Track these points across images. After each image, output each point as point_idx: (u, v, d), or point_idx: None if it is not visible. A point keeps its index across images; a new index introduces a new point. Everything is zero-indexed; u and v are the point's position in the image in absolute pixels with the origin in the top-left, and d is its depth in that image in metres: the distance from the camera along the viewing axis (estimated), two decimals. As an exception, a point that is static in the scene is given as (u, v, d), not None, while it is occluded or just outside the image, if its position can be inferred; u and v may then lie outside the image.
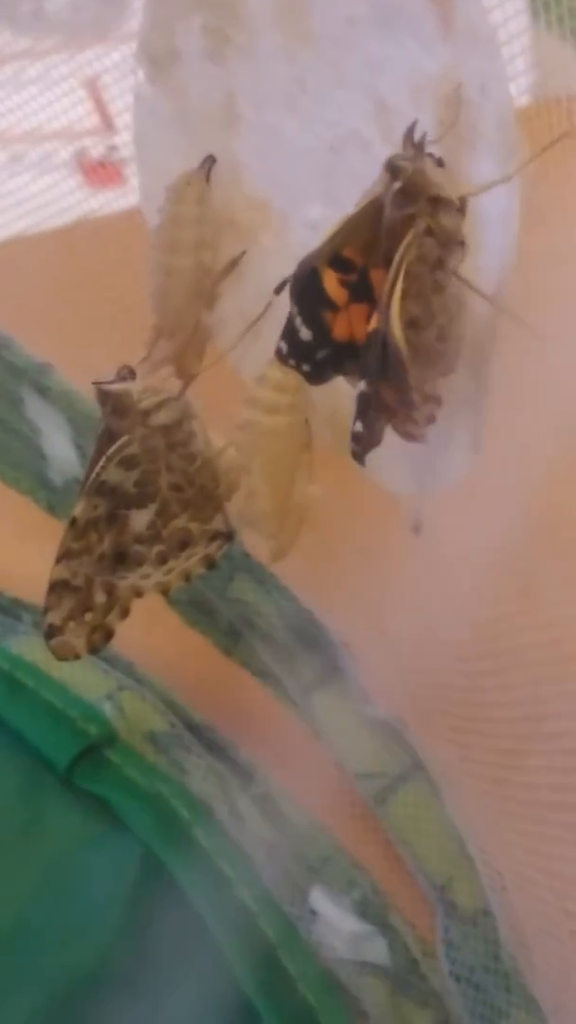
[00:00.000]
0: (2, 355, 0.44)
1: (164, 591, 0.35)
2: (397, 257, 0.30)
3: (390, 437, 0.32)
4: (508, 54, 0.32)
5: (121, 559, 0.34)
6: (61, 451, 0.43)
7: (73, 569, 0.34)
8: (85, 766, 0.42)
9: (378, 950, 0.39)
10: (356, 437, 0.31)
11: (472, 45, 0.31)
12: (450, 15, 0.31)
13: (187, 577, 0.35)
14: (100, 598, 0.34)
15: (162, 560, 0.34)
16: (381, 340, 0.31)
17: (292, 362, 0.32)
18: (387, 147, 0.33)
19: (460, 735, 0.39)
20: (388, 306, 0.30)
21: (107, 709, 0.43)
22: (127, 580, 0.34)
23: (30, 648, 0.43)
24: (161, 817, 0.41)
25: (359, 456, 0.32)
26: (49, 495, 0.45)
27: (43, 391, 0.43)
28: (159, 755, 0.43)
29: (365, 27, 0.32)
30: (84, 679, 0.43)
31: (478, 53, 0.31)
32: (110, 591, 0.34)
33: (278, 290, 0.32)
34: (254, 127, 0.34)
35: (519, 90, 0.33)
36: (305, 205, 0.34)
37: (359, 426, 0.31)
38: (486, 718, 0.39)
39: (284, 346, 0.32)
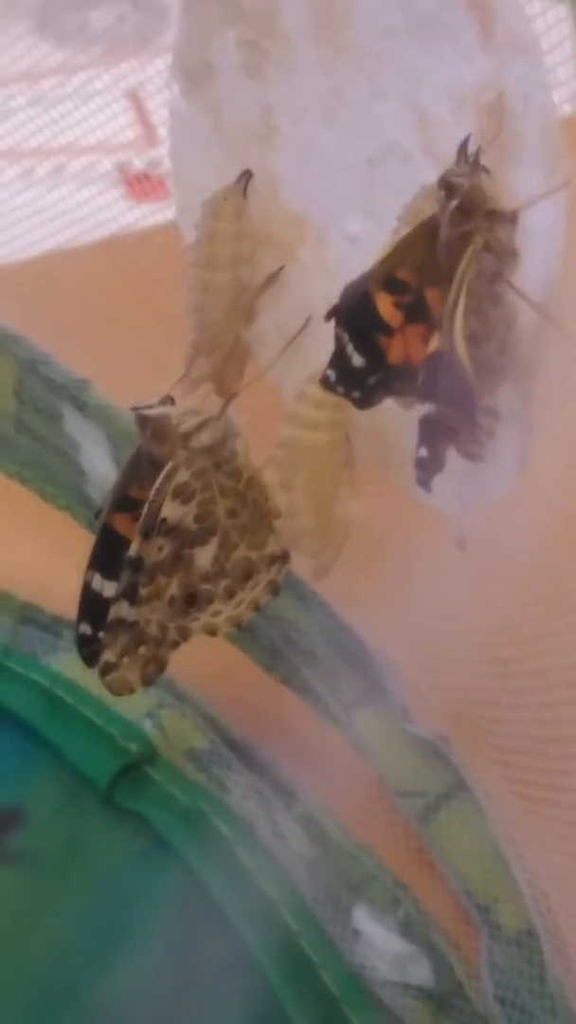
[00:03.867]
0: (40, 371, 0.44)
1: (238, 625, 0.34)
2: (458, 275, 0.30)
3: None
4: (551, 63, 0.32)
5: (191, 600, 0.34)
6: (100, 467, 0.42)
7: (144, 616, 0.34)
8: (126, 784, 0.42)
9: (422, 971, 0.39)
10: (421, 463, 0.30)
11: (513, 54, 0.31)
12: (490, 24, 0.31)
13: (256, 607, 0.34)
14: (159, 633, 0.34)
15: (231, 594, 0.34)
16: (445, 360, 0.30)
17: (341, 390, 0.31)
18: (427, 159, 0.32)
19: (504, 754, 0.39)
20: (451, 325, 0.30)
21: (147, 726, 0.43)
22: (200, 621, 0.34)
23: (70, 665, 0.43)
24: (202, 835, 0.41)
25: (425, 482, 0.30)
26: (88, 511, 0.45)
27: (82, 407, 0.43)
28: (200, 773, 0.42)
29: (403, 38, 0.32)
30: (124, 697, 0.43)
31: (520, 61, 0.31)
32: (184, 634, 0.34)
33: (328, 317, 0.32)
34: (291, 141, 0.34)
35: (562, 99, 0.33)
36: (343, 219, 0.34)
37: (424, 451, 0.30)
38: (531, 736, 0.38)
39: (332, 374, 0.31)
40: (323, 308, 0.31)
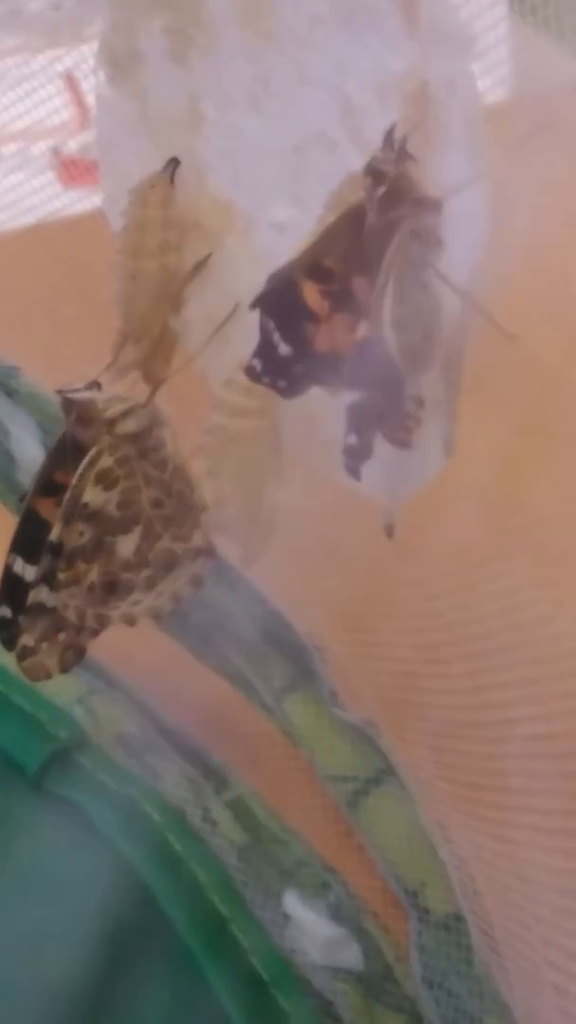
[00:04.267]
0: (-31, 358, 0.43)
1: (156, 616, 0.34)
2: (385, 262, 0.30)
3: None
4: (483, 45, 0.32)
5: (111, 588, 0.34)
6: (30, 453, 0.42)
7: (64, 601, 0.34)
8: (55, 770, 0.42)
9: (352, 955, 0.39)
10: (350, 450, 0.30)
11: (438, 41, 0.31)
12: (414, 12, 0.31)
13: (177, 599, 0.34)
14: (76, 619, 0.34)
15: (151, 584, 0.34)
16: (372, 348, 0.30)
17: (267, 379, 0.31)
18: (353, 147, 0.32)
19: (433, 739, 0.39)
20: (379, 312, 0.30)
21: (78, 713, 0.43)
22: (119, 609, 0.34)
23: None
24: (133, 821, 0.41)
25: (354, 469, 0.31)
26: (19, 498, 0.45)
27: (11, 393, 0.43)
28: (130, 759, 0.42)
29: (329, 25, 0.32)
30: (55, 683, 0.42)
31: (444, 49, 0.31)
32: (102, 621, 0.34)
33: (253, 306, 0.32)
34: (218, 128, 0.34)
35: (494, 83, 0.33)
36: (271, 206, 0.34)
37: (352, 439, 0.30)
38: (458, 720, 0.39)
39: (258, 363, 0.31)
40: (250, 296, 0.31)
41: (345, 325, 0.31)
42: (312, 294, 0.31)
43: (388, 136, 0.30)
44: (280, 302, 0.31)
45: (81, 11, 0.53)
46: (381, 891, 0.40)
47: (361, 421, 0.30)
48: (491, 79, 0.33)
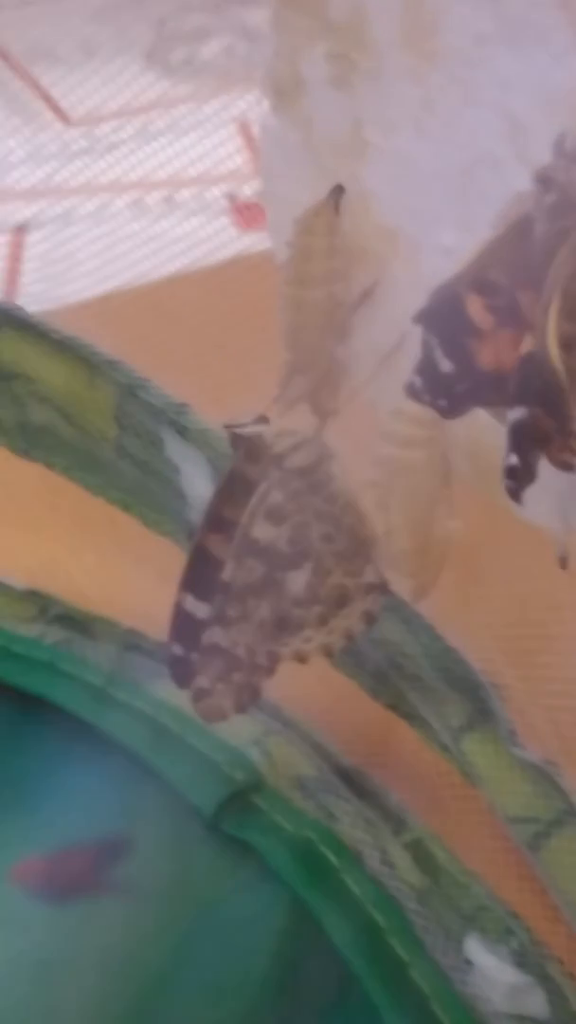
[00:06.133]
0: (140, 395, 0.43)
1: (328, 653, 0.34)
2: (552, 273, 0.29)
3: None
4: None
5: (282, 624, 0.33)
6: (200, 491, 0.42)
7: (233, 638, 0.33)
8: (232, 812, 0.42)
9: (537, 1002, 0.38)
10: (511, 472, 0.29)
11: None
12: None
13: (350, 636, 0.34)
14: (246, 656, 0.34)
15: (323, 621, 0.33)
16: (537, 362, 0.29)
17: (427, 398, 0.30)
18: (521, 166, 0.31)
19: (616, 778, 0.38)
20: (544, 326, 0.29)
21: (254, 754, 0.43)
22: (290, 646, 0.34)
23: (174, 692, 0.43)
24: (309, 864, 0.40)
25: (515, 493, 0.29)
26: (189, 537, 0.45)
27: (181, 431, 0.43)
28: (307, 800, 0.42)
29: (494, 43, 0.31)
30: (230, 724, 0.42)
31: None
32: (272, 659, 0.34)
33: (416, 321, 0.31)
34: (383, 153, 0.34)
35: None
36: (438, 231, 0.33)
37: (514, 459, 0.29)
38: None
39: (419, 381, 0.30)
40: (417, 324, 0.31)
41: (510, 341, 0.30)
42: (476, 308, 0.30)
43: (559, 144, 0.29)
44: (443, 317, 0.30)
45: (253, 55, 0.53)
46: (566, 936, 0.39)
47: (523, 440, 0.29)
48: None
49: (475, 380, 0.30)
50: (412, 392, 0.30)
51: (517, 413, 0.29)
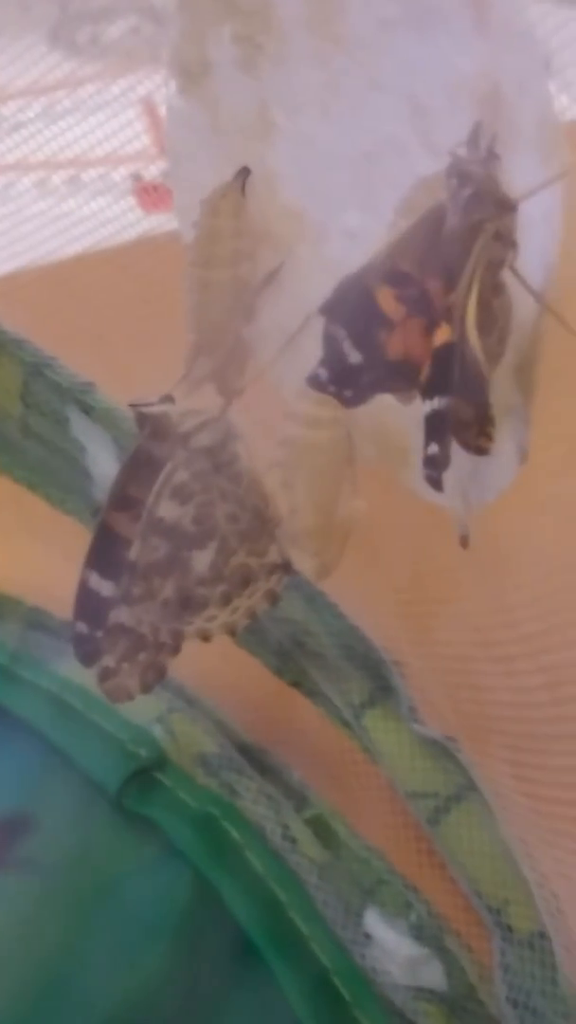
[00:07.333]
0: (46, 374, 0.43)
1: (231, 632, 0.34)
2: (470, 264, 0.29)
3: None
4: (557, 43, 0.32)
5: (187, 603, 0.34)
6: (106, 470, 0.42)
7: (138, 616, 0.33)
8: (135, 789, 0.42)
9: (434, 975, 0.39)
10: (431, 461, 0.29)
11: (508, 41, 0.31)
12: (485, 11, 0.31)
13: (252, 615, 0.34)
14: (150, 635, 0.34)
15: (227, 600, 0.34)
16: (456, 353, 0.29)
17: (333, 389, 0.31)
18: (424, 151, 0.32)
19: (513, 753, 0.39)
20: (463, 317, 0.29)
21: (158, 731, 0.43)
22: (194, 625, 0.34)
23: (79, 670, 0.43)
24: (212, 839, 0.41)
25: (435, 481, 0.30)
26: (95, 515, 0.45)
27: (87, 410, 0.43)
28: (210, 777, 0.42)
29: (399, 28, 0.32)
30: (134, 702, 0.42)
31: (515, 49, 0.31)
32: (176, 637, 0.34)
33: (323, 312, 0.31)
34: (288, 136, 0.34)
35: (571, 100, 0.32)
36: (342, 214, 0.34)
37: (434, 448, 0.29)
38: (538, 734, 0.38)
39: (324, 373, 0.31)
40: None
41: (419, 331, 0.30)
42: (387, 299, 0.30)
43: (474, 136, 0.29)
44: (352, 309, 0.30)
45: (159, 36, 0.53)
46: (464, 910, 0.39)
47: (443, 429, 0.30)
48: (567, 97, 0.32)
49: (383, 370, 0.30)
50: (316, 384, 0.30)
51: (437, 403, 0.29)
